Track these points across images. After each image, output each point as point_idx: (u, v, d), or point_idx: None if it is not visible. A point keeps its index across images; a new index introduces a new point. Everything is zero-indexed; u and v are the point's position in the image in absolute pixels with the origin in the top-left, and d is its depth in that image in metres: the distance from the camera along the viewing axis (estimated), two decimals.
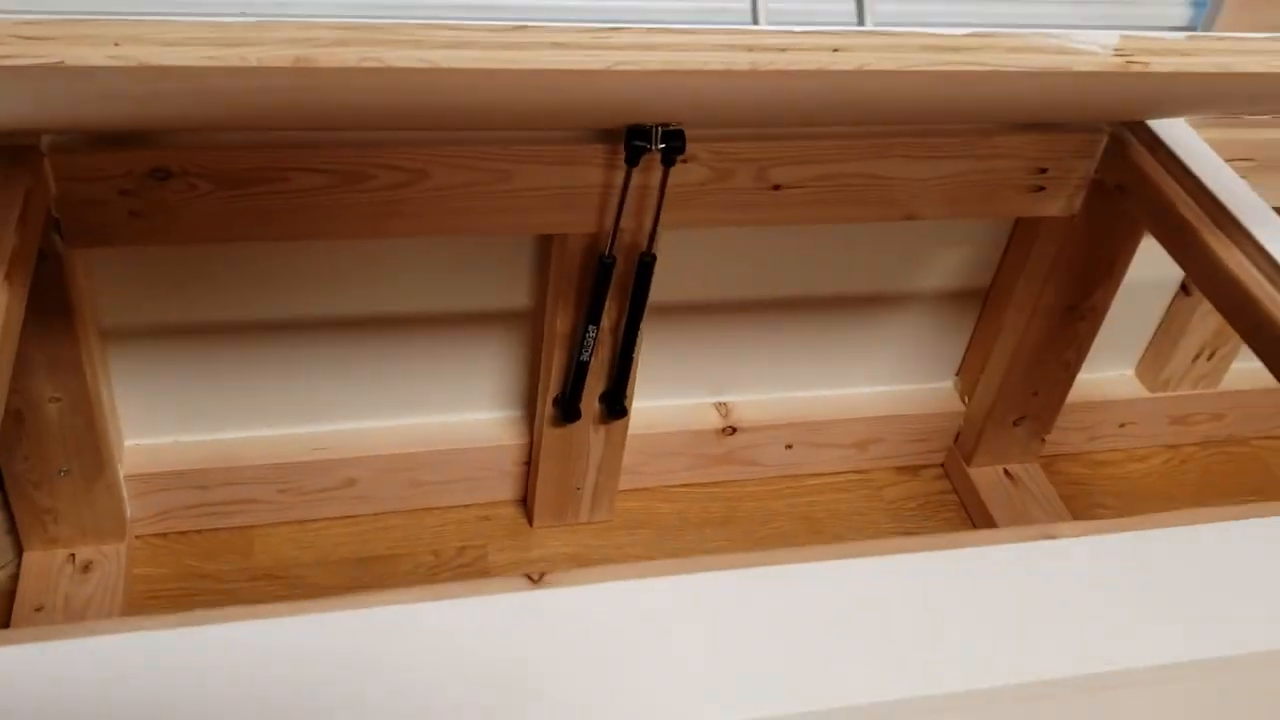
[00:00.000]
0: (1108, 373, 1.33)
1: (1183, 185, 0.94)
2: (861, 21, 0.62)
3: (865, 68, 0.55)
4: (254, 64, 0.53)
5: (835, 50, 0.54)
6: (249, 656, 0.49)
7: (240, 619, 0.51)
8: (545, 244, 1.01)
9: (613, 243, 0.93)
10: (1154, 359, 1.31)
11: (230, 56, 0.53)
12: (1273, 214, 0.90)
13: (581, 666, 0.51)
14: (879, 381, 1.26)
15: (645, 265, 0.95)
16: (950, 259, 1.18)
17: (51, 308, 0.90)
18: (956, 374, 1.28)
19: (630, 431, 1.14)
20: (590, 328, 0.98)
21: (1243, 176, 1.03)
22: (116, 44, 0.52)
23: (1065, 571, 0.59)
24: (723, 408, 1.22)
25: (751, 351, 1.20)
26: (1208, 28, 1.01)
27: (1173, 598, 0.58)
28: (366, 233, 0.90)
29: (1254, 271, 0.88)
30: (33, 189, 0.78)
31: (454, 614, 0.52)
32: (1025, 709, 0.54)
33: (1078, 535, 0.62)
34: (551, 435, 1.10)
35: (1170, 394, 1.31)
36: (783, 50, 0.55)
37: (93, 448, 1.02)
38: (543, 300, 1.04)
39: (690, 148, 0.88)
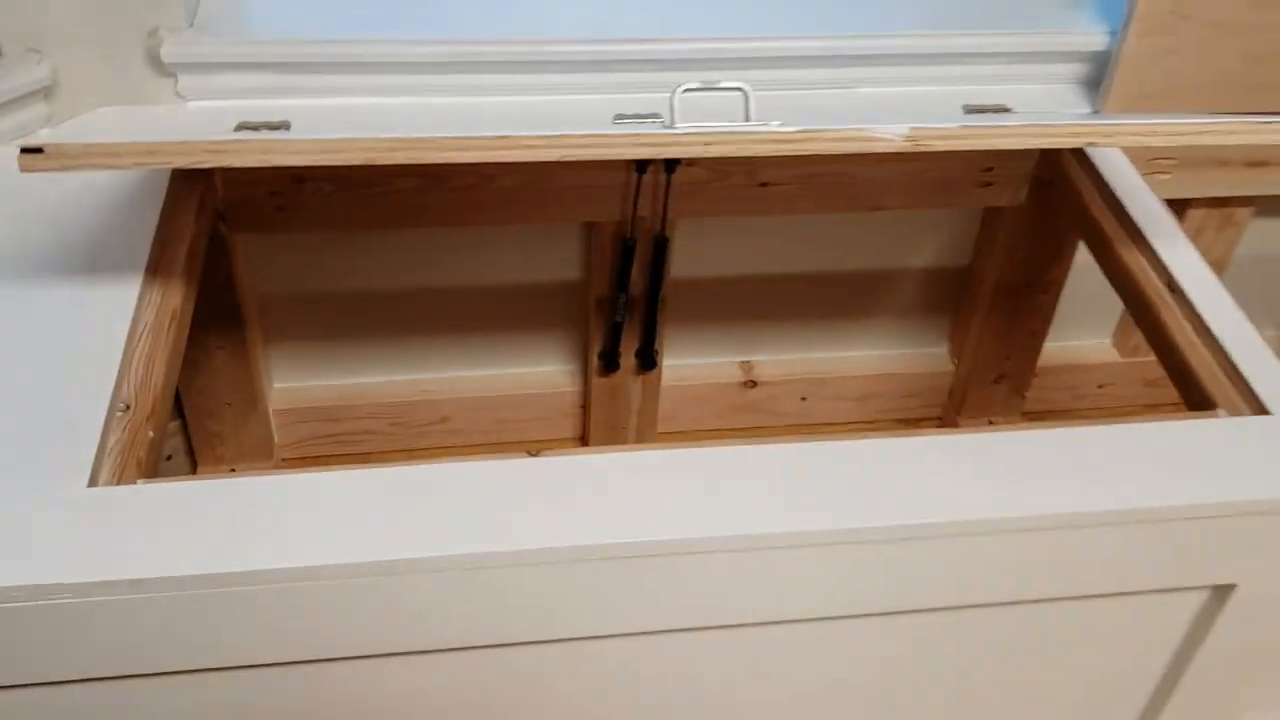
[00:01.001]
0: (1087, 340, 1.54)
1: (1099, 191, 1.14)
2: (748, 118, 0.84)
3: (729, 155, 0.79)
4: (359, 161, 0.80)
5: (707, 144, 0.78)
6: (347, 492, 0.77)
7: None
8: (588, 230, 1.29)
9: (632, 228, 1.20)
10: (1125, 329, 1.51)
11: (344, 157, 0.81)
12: (1174, 224, 1.06)
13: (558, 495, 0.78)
14: (881, 346, 1.50)
15: (660, 245, 1.22)
16: (935, 242, 1.41)
17: (219, 279, 1.22)
18: (948, 340, 1.51)
19: (666, 384, 1.41)
20: (621, 295, 1.25)
21: (1166, 173, 1.25)
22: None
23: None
24: (746, 365, 1.48)
25: (771, 319, 1.45)
26: (1104, 96, 1.21)
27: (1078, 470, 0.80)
28: (450, 222, 1.20)
29: (1154, 278, 1.02)
30: (206, 191, 1.09)
31: (474, 471, 0.80)
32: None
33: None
34: (599, 384, 1.38)
35: (1142, 359, 1.51)
36: (669, 145, 0.79)
37: (248, 386, 1.34)
38: (589, 274, 1.32)
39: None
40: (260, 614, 0.73)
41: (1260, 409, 0.89)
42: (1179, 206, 1.34)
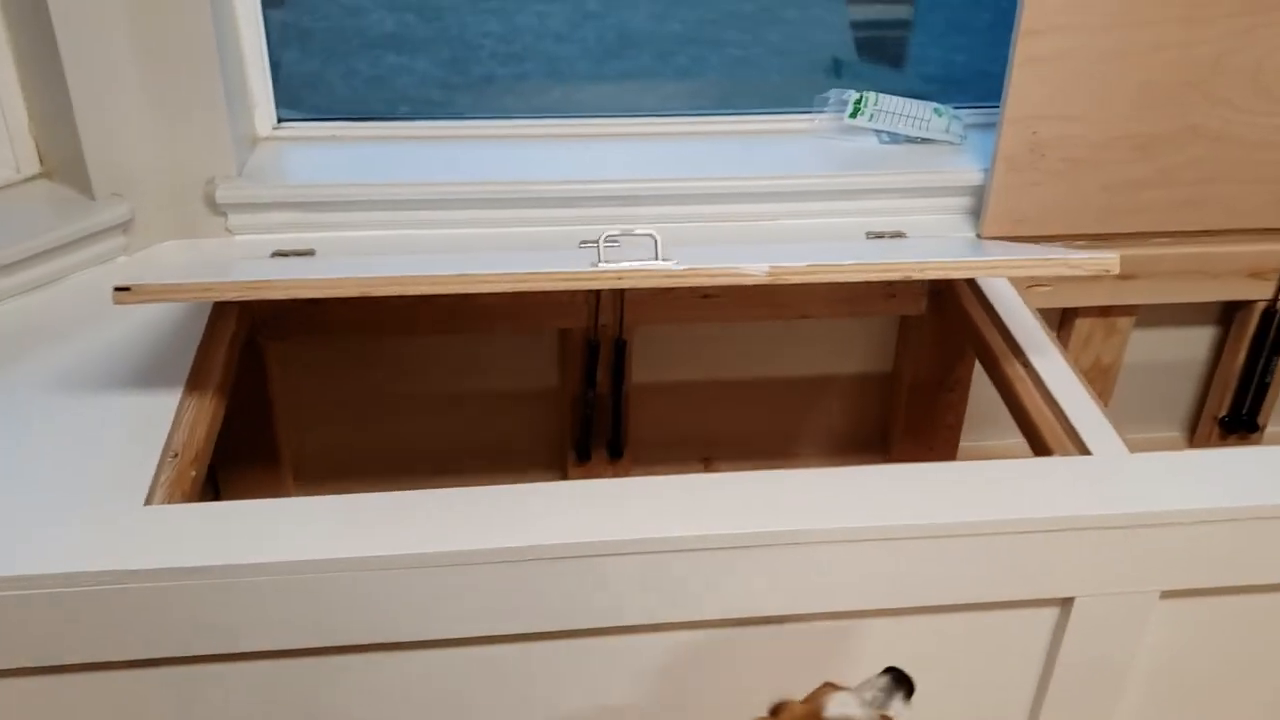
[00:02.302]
0: (1001, 440, 1.74)
1: (981, 304, 1.35)
2: (656, 256, 1.04)
3: (634, 286, 1.04)
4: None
5: (619, 278, 1.03)
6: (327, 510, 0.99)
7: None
8: (561, 336, 1.53)
9: (595, 334, 1.44)
10: None
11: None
12: (1048, 342, 1.26)
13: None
14: (824, 449, 1.72)
15: (620, 348, 1.46)
16: (865, 348, 1.64)
17: (253, 374, 1.47)
18: (884, 437, 1.73)
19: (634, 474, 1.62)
20: (589, 391, 1.49)
21: (1047, 285, 1.48)
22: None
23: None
24: (706, 463, 1.69)
25: (727, 421, 1.67)
26: (983, 222, 1.46)
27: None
28: (435, 330, 1.44)
29: (1015, 363, 1.23)
30: (244, 305, 1.34)
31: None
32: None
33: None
34: (574, 471, 1.60)
35: None
36: (589, 280, 1.03)
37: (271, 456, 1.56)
38: (563, 376, 1.56)
39: None
40: (267, 600, 0.94)
41: (1085, 451, 1.10)
42: (1069, 316, 1.58)
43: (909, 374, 1.59)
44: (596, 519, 0.98)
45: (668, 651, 1.05)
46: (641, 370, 1.55)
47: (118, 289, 1.00)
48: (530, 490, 1.02)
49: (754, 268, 1.00)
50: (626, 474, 1.61)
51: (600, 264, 1.02)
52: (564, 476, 1.62)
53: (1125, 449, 1.11)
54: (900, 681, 0.94)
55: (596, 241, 1.05)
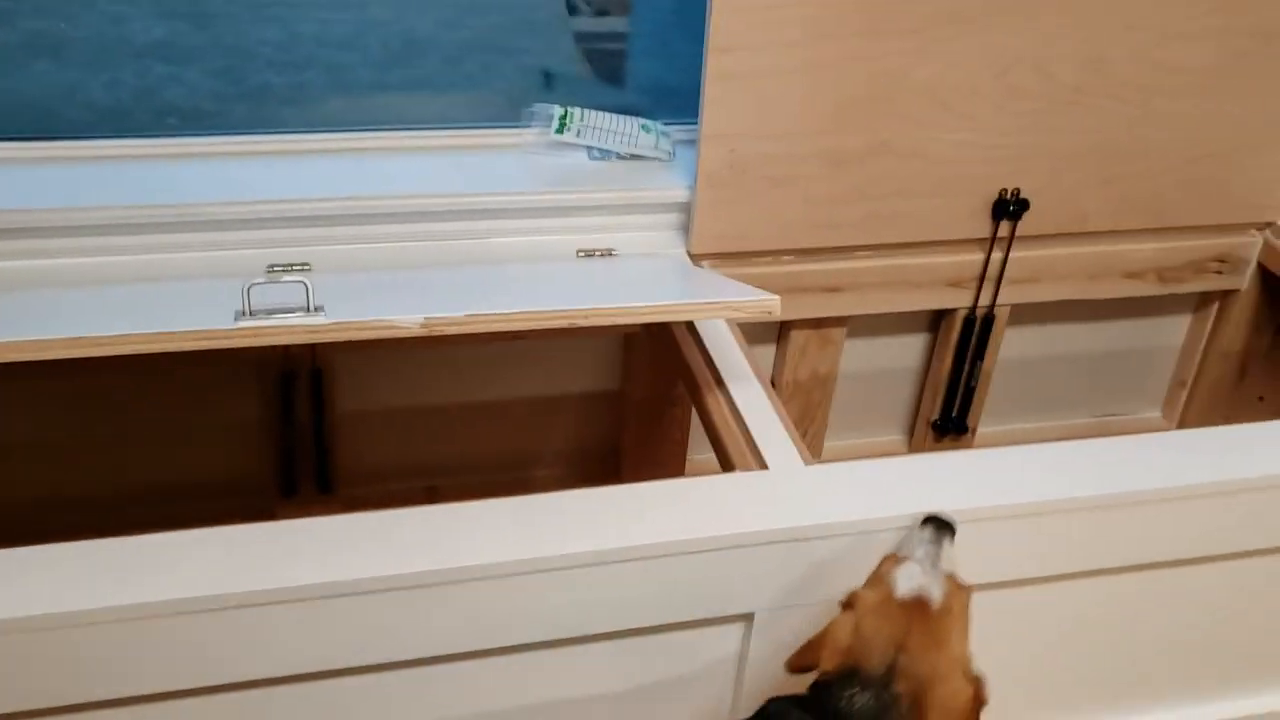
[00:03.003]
0: None
1: (687, 325, 1.37)
2: (309, 307, 0.98)
3: (279, 341, 0.98)
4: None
5: (257, 335, 0.97)
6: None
7: None
8: (263, 370, 1.46)
9: (288, 363, 1.38)
10: None
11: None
12: (743, 361, 1.26)
13: None
14: (557, 473, 1.70)
15: (316, 376, 1.40)
16: (591, 366, 1.63)
17: None
18: (615, 454, 1.72)
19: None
20: (288, 425, 1.42)
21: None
22: None
23: None
24: (431, 490, 1.65)
25: (451, 446, 1.63)
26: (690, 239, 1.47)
27: None
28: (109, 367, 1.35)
29: (721, 405, 1.22)
30: None
31: None
32: None
33: None
34: (282, 508, 1.53)
35: None
36: (230, 337, 0.95)
37: None
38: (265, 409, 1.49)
39: None
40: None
41: (764, 466, 1.11)
42: (785, 328, 1.60)
43: (635, 391, 1.58)
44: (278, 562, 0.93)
45: (375, 692, 1.01)
46: (350, 398, 1.49)
47: None
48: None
49: (407, 320, 0.97)
50: (341, 508, 1.55)
51: (241, 320, 0.96)
52: (272, 514, 1.55)
53: (803, 462, 1.12)
54: (942, 526, 0.95)
55: (243, 288, 0.99)
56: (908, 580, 0.92)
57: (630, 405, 1.62)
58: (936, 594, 0.92)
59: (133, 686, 0.92)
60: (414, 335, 0.97)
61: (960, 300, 1.59)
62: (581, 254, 1.43)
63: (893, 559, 0.96)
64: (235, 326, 0.94)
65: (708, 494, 1.06)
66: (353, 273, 1.25)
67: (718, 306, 1.09)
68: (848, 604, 0.94)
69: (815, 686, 0.92)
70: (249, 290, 0.98)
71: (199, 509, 1.54)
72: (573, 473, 1.70)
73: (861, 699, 0.88)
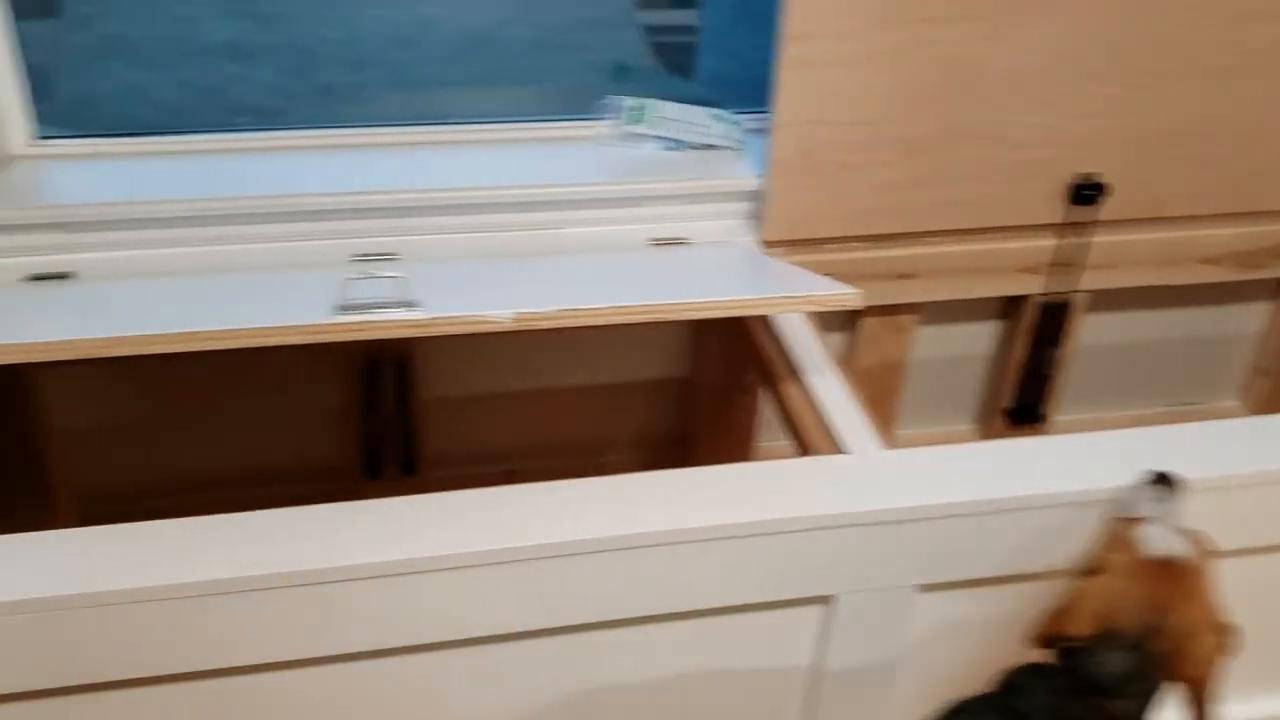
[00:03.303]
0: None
1: (767, 331, 1.37)
2: (404, 300, 1.02)
3: (375, 336, 1.01)
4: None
5: (358, 330, 1.01)
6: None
7: None
8: (351, 359, 1.49)
9: (375, 352, 1.41)
10: None
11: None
12: (816, 347, 1.29)
13: None
14: (629, 458, 1.72)
15: (401, 365, 1.43)
16: (662, 353, 1.65)
17: (18, 400, 1.39)
18: (684, 440, 1.73)
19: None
20: (372, 413, 1.45)
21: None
22: None
23: None
24: (509, 473, 1.67)
25: (527, 431, 1.66)
26: (761, 226, 1.48)
27: None
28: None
29: (796, 390, 1.24)
30: None
31: None
32: None
33: None
34: (367, 489, 1.56)
35: None
36: (329, 332, 0.99)
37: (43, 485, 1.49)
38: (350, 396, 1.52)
39: None
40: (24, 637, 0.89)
41: (842, 450, 1.12)
42: (853, 315, 1.61)
43: (705, 378, 1.59)
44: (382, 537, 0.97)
45: (426, 673, 1.03)
46: (433, 385, 1.52)
47: None
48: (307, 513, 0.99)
49: (499, 314, 0.99)
50: (423, 490, 1.59)
51: (340, 315, 0.99)
52: (358, 496, 1.58)
53: (881, 447, 1.13)
54: (1170, 483, 0.96)
55: (348, 280, 1.02)
56: (1157, 540, 0.93)
57: (700, 392, 1.63)
58: (1183, 551, 0.93)
59: (241, 657, 0.96)
60: (503, 329, 0.99)
61: (1033, 286, 1.58)
62: (654, 242, 1.44)
63: (1124, 521, 0.96)
64: (336, 321, 0.97)
65: (789, 477, 1.07)
66: (436, 264, 1.28)
67: (798, 300, 1.10)
68: (1094, 569, 0.95)
69: (1066, 653, 0.93)
70: (345, 284, 1.01)
71: (288, 492, 1.58)
72: (643, 458, 1.72)
73: (1117, 660, 0.89)
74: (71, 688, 0.94)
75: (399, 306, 1.00)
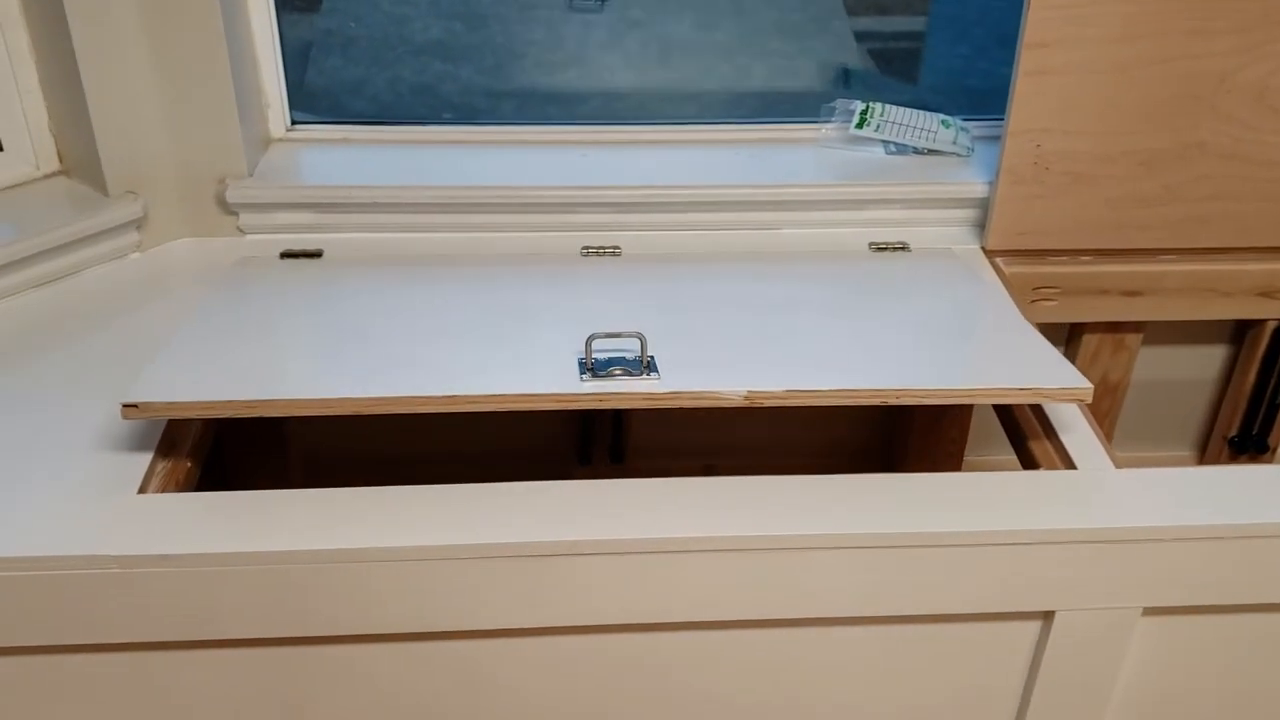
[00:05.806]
0: (1001, 455, 1.73)
1: None
2: (642, 363, 1.08)
3: (616, 406, 1.06)
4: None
5: (600, 400, 1.05)
6: (317, 502, 1.01)
7: None
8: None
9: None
10: None
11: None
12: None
13: None
14: (828, 467, 1.72)
15: None
16: None
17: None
18: (888, 452, 1.72)
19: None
20: None
21: (1052, 300, 1.48)
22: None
23: None
24: (709, 467, 1.70)
25: (729, 432, 1.68)
26: (987, 235, 1.46)
27: None
28: None
29: (1031, 415, 1.20)
30: None
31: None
32: None
33: None
34: (578, 474, 1.61)
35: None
36: (573, 400, 1.17)
37: (280, 449, 1.59)
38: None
39: None
40: (249, 589, 0.97)
41: (1071, 466, 1.10)
42: (1077, 330, 1.57)
43: None
44: (583, 517, 1.01)
45: (648, 652, 1.06)
46: None
47: (126, 405, 1.02)
48: (518, 490, 1.04)
49: (732, 391, 1.06)
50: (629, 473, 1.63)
51: (585, 383, 1.06)
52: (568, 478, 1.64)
53: (1111, 464, 1.10)
54: None
55: (586, 343, 1.09)
56: None
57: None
58: None
59: (477, 620, 1.01)
60: (736, 406, 1.06)
61: (1270, 311, 1.51)
62: (875, 246, 1.44)
63: None
64: (584, 392, 1.05)
65: (1017, 489, 1.06)
66: (667, 315, 1.28)
67: (1025, 392, 1.09)
68: None
69: None
70: (591, 346, 1.08)
71: (510, 472, 1.65)
72: (844, 467, 1.72)
73: None
74: (316, 638, 1.01)
75: (640, 377, 1.07)
